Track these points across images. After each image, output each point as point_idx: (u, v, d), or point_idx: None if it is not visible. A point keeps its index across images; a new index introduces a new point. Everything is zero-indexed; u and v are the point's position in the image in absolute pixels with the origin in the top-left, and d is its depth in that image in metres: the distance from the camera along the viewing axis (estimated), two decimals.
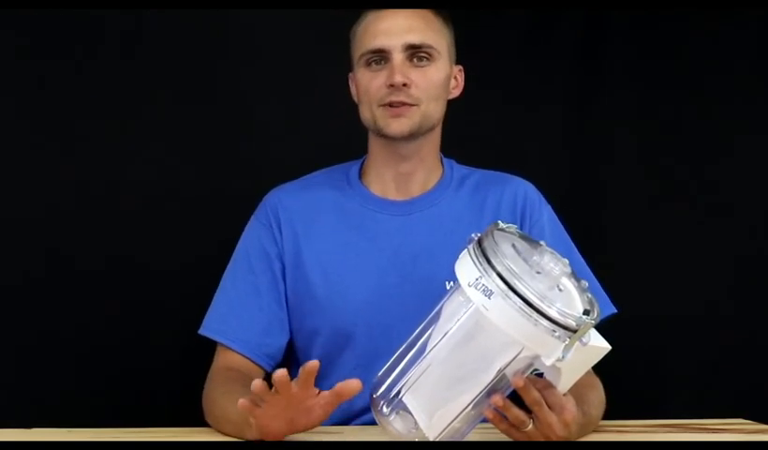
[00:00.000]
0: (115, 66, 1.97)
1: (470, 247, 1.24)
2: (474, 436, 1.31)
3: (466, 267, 1.22)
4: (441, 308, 1.28)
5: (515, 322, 1.17)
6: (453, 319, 1.23)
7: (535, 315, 1.17)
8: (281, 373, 1.24)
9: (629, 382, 2.00)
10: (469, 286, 1.20)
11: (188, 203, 1.98)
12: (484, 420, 1.28)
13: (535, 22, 2.10)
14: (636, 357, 2.06)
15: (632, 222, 2.11)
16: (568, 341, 1.18)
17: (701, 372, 2.10)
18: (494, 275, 1.19)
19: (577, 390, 1.31)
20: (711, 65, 2.12)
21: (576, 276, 1.27)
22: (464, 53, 1.66)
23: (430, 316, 1.29)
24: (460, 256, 1.26)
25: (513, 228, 1.30)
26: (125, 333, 1.95)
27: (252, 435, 1.33)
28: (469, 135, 2.02)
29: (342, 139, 1.72)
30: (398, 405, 1.27)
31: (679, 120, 2.12)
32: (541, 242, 1.30)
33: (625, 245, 2.10)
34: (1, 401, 1.89)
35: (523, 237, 1.30)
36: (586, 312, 1.20)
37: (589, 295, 1.25)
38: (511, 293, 1.17)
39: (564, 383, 1.25)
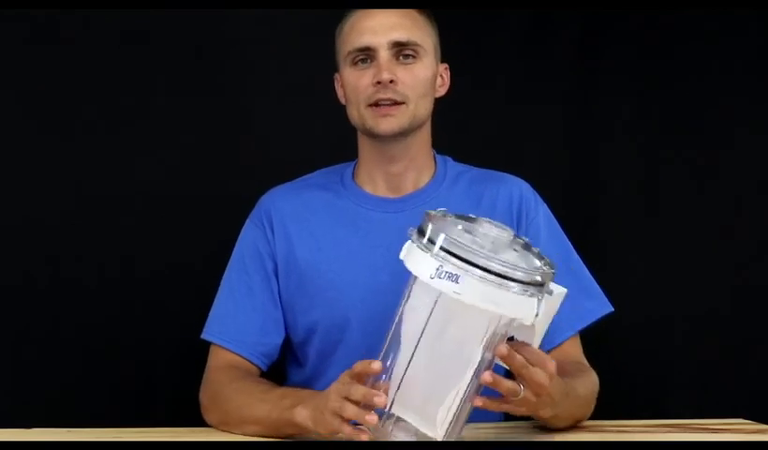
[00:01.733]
0: (115, 66, 1.96)
1: (417, 242, 1.23)
2: (473, 436, 1.31)
3: (421, 261, 1.21)
4: (402, 315, 1.26)
5: (490, 295, 1.18)
6: (421, 319, 1.23)
7: (506, 282, 1.18)
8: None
9: (629, 382, 2.01)
10: (432, 278, 1.19)
11: (188, 204, 1.98)
12: (483, 420, 1.28)
13: (535, 23, 2.09)
14: (636, 357, 2.06)
15: (632, 222, 2.11)
16: (539, 296, 1.20)
17: (701, 372, 2.10)
18: (455, 259, 1.18)
19: (563, 370, 1.32)
20: (710, 65, 2.11)
21: (517, 235, 1.29)
22: (464, 54, 1.67)
23: (393, 324, 1.27)
24: (405, 254, 1.25)
25: (442, 211, 1.30)
26: (124, 333, 1.95)
27: (307, 422, 1.34)
28: (469, 135, 2.02)
29: (341, 139, 1.72)
30: (393, 419, 1.26)
31: (679, 120, 2.12)
32: (471, 215, 1.31)
33: (625, 245, 2.10)
34: (1, 401, 1.89)
35: (456, 216, 1.31)
36: (545, 263, 1.24)
37: (535, 249, 1.28)
38: (478, 270, 1.17)
39: (537, 339, 1.27)
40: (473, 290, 1.18)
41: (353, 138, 1.66)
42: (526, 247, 1.29)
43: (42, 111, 1.95)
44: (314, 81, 1.96)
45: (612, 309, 1.61)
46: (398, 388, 1.24)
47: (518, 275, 1.18)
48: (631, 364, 2.05)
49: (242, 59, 2.02)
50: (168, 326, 1.96)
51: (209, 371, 1.59)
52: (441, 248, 1.19)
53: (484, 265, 1.17)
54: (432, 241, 1.21)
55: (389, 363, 1.26)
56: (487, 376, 1.23)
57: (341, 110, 1.67)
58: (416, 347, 1.23)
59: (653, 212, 2.12)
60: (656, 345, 2.09)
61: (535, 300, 1.20)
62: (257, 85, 2.02)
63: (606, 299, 1.61)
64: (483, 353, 1.22)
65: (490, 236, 1.25)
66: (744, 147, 2.13)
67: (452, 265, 1.18)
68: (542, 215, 1.64)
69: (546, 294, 1.21)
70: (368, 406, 1.24)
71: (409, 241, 1.25)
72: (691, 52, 2.12)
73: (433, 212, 1.28)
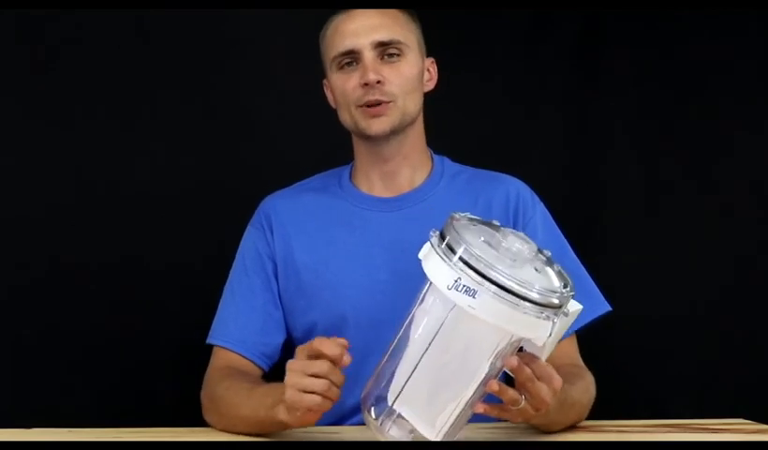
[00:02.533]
0: (116, 65, 1.97)
1: (437, 247, 1.21)
2: (473, 436, 1.31)
3: (440, 269, 1.19)
4: (413, 316, 1.26)
5: (504, 314, 1.17)
6: (433, 324, 1.22)
7: (522, 303, 1.16)
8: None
9: (629, 382, 2.01)
10: (449, 289, 1.18)
11: (189, 203, 1.99)
12: (481, 419, 1.28)
13: (535, 22, 2.10)
14: (636, 357, 2.06)
15: (632, 222, 2.11)
16: (555, 318, 1.19)
17: (701, 372, 2.09)
18: (474, 273, 1.17)
19: (560, 374, 1.32)
20: (710, 65, 2.11)
21: (540, 249, 1.27)
22: (464, 53, 1.67)
23: (404, 324, 1.27)
24: (425, 257, 1.23)
25: (467, 215, 1.29)
26: (125, 333, 1.95)
27: (283, 416, 1.34)
28: (469, 135, 2.02)
29: (343, 139, 1.72)
30: (394, 416, 1.26)
31: (679, 120, 2.12)
32: (495, 221, 1.30)
33: (625, 245, 2.10)
34: (1, 401, 1.90)
35: (481, 222, 1.29)
36: (564, 285, 1.22)
37: (557, 266, 1.26)
38: (496, 288, 1.16)
39: (546, 353, 1.26)
40: (488, 307, 1.16)
41: (351, 137, 1.66)
42: (548, 263, 1.26)
43: (42, 110, 1.95)
44: (315, 80, 1.96)
45: (610, 309, 1.61)
46: (403, 386, 1.24)
47: (535, 297, 1.17)
48: (631, 364, 2.05)
49: (243, 59, 2.02)
50: (168, 326, 1.96)
51: (208, 372, 1.60)
52: (461, 259, 1.18)
53: (502, 284, 1.16)
54: (452, 250, 1.19)
55: (396, 361, 1.25)
56: (494, 385, 1.22)
57: None
58: (425, 351, 1.22)
59: (653, 212, 2.11)
60: (656, 345, 2.09)
61: (549, 323, 1.19)
62: (258, 86, 2.02)
63: (603, 298, 1.61)
64: (491, 366, 1.22)
65: (512, 250, 1.22)
66: (743, 147, 2.13)
67: (470, 279, 1.17)
68: (539, 214, 1.64)
69: (562, 315, 1.20)
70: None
71: (429, 244, 1.23)
72: (691, 52, 2.12)
73: (457, 215, 1.26)
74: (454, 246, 1.19)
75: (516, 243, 1.23)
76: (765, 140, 2.13)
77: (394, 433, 1.25)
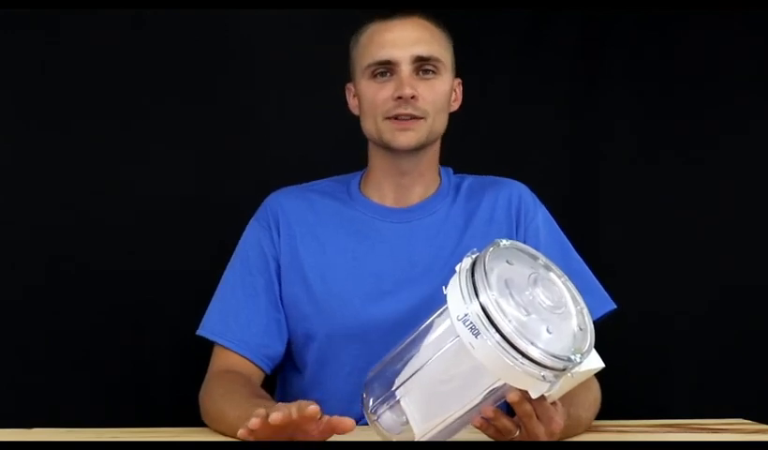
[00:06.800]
0: (116, 67, 1.97)
1: (464, 273, 1.19)
2: (472, 436, 1.31)
3: (456, 297, 1.18)
4: (433, 323, 1.25)
5: (501, 364, 1.15)
6: (444, 340, 1.21)
7: (520, 359, 1.14)
8: (314, 410, 1.21)
9: (629, 382, 2.01)
10: (458, 320, 1.16)
11: (188, 205, 1.99)
12: None
13: (535, 22, 2.10)
14: (636, 357, 2.06)
15: (632, 222, 2.11)
16: (554, 380, 1.16)
17: (701, 372, 2.10)
18: (484, 315, 1.14)
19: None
20: (710, 65, 2.12)
21: (574, 297, 1.24)
22: (464, 54, 1.66)
23: (423, 326, 1.26)
24: (453, 278, 1.21)
25: (510, 244, 1.25)
26: (125, 333, 1.96)
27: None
28: (470, 136, 2.02)
29: (342, 140, 1.72)
30: (392, 402, 1.26)
31: (679, 120, 2.12)
32: (539, 258, 1.26)
33: (625, 244, 2.10)
34: (1, 401, 1.90)
35: (520, 250, 1.26)
36: (576, 350, 1.18)
37: (582, 325, 1.22)
38: (499, 337, 1.14)
39: (554, 395, 1.23)
40: (487, 352, 1.14)
41: (357, 139, 1.65)
42: (580, 312, 1.23)
43: (41, 113, 1.95)
44: (314, 83, 1.97)
45: (616, 306, 1.61)
46: (409, 378, 1.23)
47: (536, 357, 1.14)
48: (631, 364, 2.05)
49: (243, 60, 2.02)
50: (168, 327, 1.96)
51: (209, 375, 1.58)
52: (477, 297, 1.15)
53: (506, 335, 1.13)
54: (474, 283, 1.17)
55: (409, 355, 1.25)
56: (489, 411, 1.21)
57: (342, 113, 1.67)
58: (429, 360, 1.22)
59: (653, 212, 2.12)
60: (656, 345, 2.10)
61: (546, 384, 1.16)
62: (257, 88, 2.02)
63: (608, 297, 1.61)
64: (486, 397, 1.20)
65: (536, 300, 1.19)
66: (744, 146, 2.13)
67: (478, 320, 1.14)
68: (541, 216, 1.63)
69: (569, 374, 1.16)
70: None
71: (461, 265, 1.20)
72: (691, 52, 2.12)
73: (502, 243, 1.23)
74: (477, 280, 1.17)
75: (541, 294, 1.20)
76: (764, 139, 2.14)
77: (386, 419, 1.25)
